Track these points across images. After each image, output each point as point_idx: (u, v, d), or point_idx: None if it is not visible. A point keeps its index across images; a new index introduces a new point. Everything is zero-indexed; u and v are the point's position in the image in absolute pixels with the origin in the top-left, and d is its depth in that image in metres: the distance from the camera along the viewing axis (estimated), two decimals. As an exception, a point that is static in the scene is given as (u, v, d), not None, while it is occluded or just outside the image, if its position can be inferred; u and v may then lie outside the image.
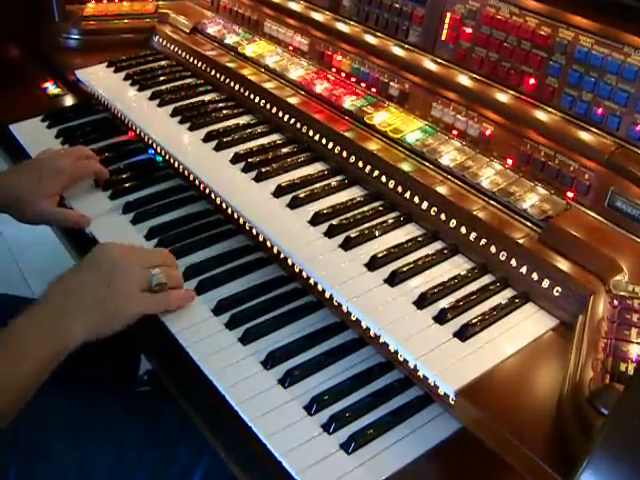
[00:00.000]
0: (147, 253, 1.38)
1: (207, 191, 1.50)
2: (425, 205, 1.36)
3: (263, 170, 1.50)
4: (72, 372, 1.59)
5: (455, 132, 1.48)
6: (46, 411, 1.33)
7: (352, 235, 1.33)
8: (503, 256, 1.25)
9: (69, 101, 2.01)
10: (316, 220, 1.37)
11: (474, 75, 1.47)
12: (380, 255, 1.28)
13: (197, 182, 1.52)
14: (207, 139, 1.63)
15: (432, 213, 1.35)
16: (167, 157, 1.63)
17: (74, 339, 1.18)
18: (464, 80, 1.47)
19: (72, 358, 1.62)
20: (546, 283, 1.19)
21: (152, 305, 1.28)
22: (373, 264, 1.27)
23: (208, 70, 1.87)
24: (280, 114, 1.65)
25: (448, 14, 1.50)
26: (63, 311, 1.18)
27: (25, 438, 1.28)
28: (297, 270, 1.30)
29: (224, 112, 1.74)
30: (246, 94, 1.75)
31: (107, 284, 1.22)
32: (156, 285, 1.28)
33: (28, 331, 1.16)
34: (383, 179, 1.43)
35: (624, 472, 0.77)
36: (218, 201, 1.47)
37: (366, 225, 1.37)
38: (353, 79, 1.69)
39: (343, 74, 1.72)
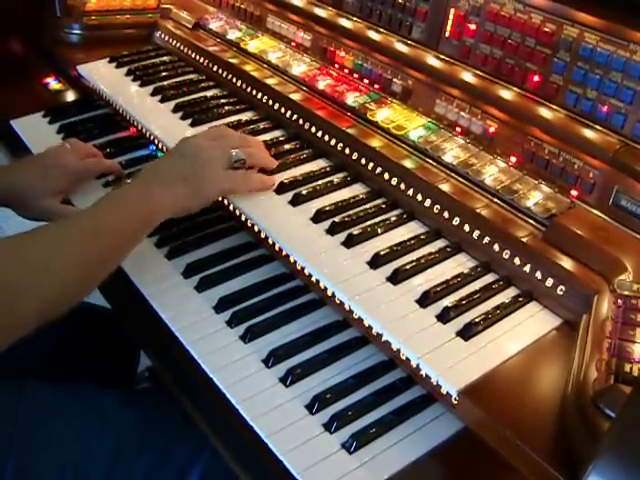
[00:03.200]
0: (227, 136, 1.45)
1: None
2: (428, 203, 1.35)
3: (265, 167, 1.49)
4: (70, 368, 1.59)
5: (459, 129, 1.47)
6: (43, 407, 1.32)
7: (354, 233, 1.32)
8: (506, 254, 1.24)
9: (71, 97, 2.01)
10: (318, 217, 1.36)
11: (478, 72, 1.46)
12: (383, 253, 1.27)
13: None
14: (209, 135, 1.61)
15: (435, 211, 1.34)
16: (169, 153, 1.62)
17: (165, 207, 1.29)
18: (468, 77, 1.46)
19: (71, 353, 1.63)
20: (550, 282, 1.18)
21: (233, 182, 1.37)
22: (375, 262, 1.26)
23: (210, 66, 1.86)
24: (282, 110, 1.64)
25: (452, 10, 1.49)
26: (154, 184, 1.29)
27: (22, 433, 1.27)
28: (299, 268, 1.29)
29: (226, 108, 1.73)
30: (248, 90, 1.74)
31: (191, 164, 1.33)
32: (235, 161, 1.36)
33: (127, 194, 1.29)
34: (386, 176, 1.42)
35: (631, 477, 0.76)
36: (220, 198, 1.46)
37: (368, 223, 1.36)
38: (356, 75, 1.68)
39: (346, 70, 1.71)
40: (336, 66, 1.73)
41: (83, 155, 1.59)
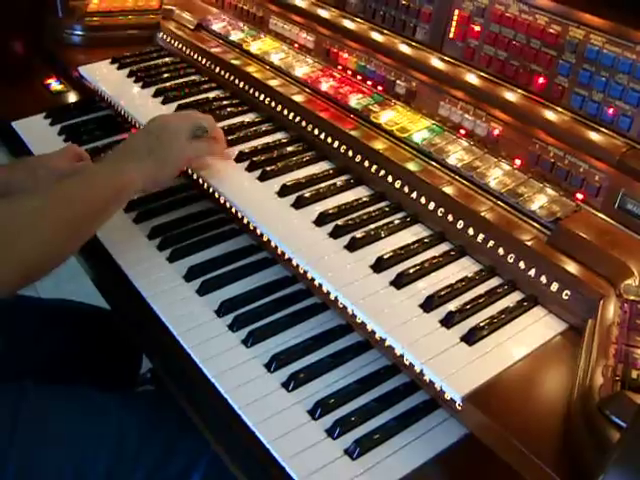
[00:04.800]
0: (190, 112, 1.59)
1: (211, 190, 1.48)
2: (432, 206, 1.34)
3: (268, 169, 1.48)
4: (71, 369, 1.59)
5: (463, 131, 1.46)
6: (44, 408, 1.32)
7: (358, 236, 1.31)
8: (511, 258, 1.23)
9: (72, 98, 2.01)
10: (321, 220, 1.36)
11: (482, 74, 1.45)
12: (386, 257, 1.26)
13: (200, 181, 1.50)
14: (211, 137, 1.61)
15: (439, 214, 1.33)
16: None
17: (133, 179, 1.35)
18: (472, 79, 1.45)
19: (72, 355, 1.63)
20: (555, 286, 1.17)
21: (197, 148, 1.46)
22: (379, 266, 1.25)
23: (213, 67, 1.86)
24: (285, 112, 1.64)
25: (456, 11, 1.49)
26: (123, 159, 1.38)
27: (22, 435, 1.27)
28: (302, 271, 1.29)
29: (228, 110, 1.72)
30: (251, 91, 1.74)
31: (156, 138, 1.40)
32: (197, 129, 1.44)
33: (97, 169, 1.41)
34: (389, 179, 1.41)
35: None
36: (222, 200, 1.45)
37: (372, 226, 1.35)
38: (359, 77, 1.67)
39: (349, 72, 1.70)
40: (339, 67, 1.72)
41: (73, 158, 1.59)
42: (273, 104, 1.67)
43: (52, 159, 1.55)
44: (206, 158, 1.50)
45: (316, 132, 1.56)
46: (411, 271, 1.24)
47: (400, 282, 1.22)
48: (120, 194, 1.35)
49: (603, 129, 1.27)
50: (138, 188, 1.39)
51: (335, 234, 1.33)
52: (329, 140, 1.53)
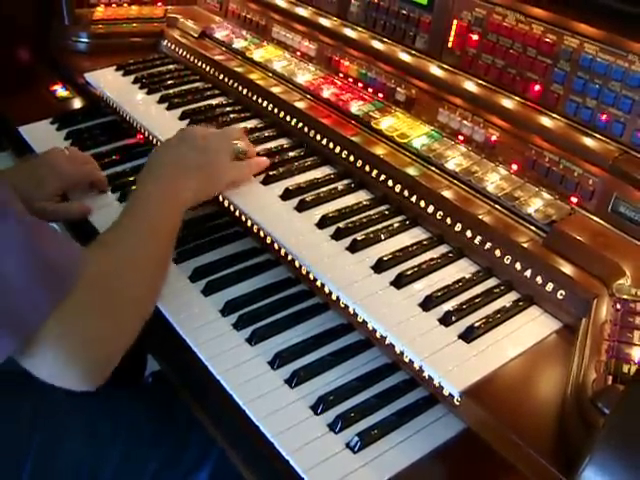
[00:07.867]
0: (227, 130, 1.58)
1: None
2: (431, 209, 1.38)
3: (270, 173, 1.51)
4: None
5: (461, 137, 1.49)
6: (60, 407, 1.34)
7: (359, 238, 1.34)
8: (508, 260, 1.26)
9: (78, 104, 2.04)
10: (323, 223, 1.39)
11: (480, 81, 1.49)
12: (386, 258, 1.30)
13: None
14: (215, 142, 1.63)
15: (438, 217, 1.36)
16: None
17: (186, 197, 1.34)
18: (470, 86, 1.49)
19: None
20: (550, 286, 1.21)
21: (240, 170, 1.48)
22: (379, 267, 1.28)
23: (216, 74, 1.89)
24: (288, 118, 1.67)
25: (455, 21, 1.52)
26: (178, 175, 1.35)
27: (40, 434, 1.30)
28: (304, 272, 1.32)
29: (232, 116, 1.76)
30: (254, 98, 1.77)
31: (201, 154, 1.40)
32: (239, 153, 1.49)
33: (155, 191, 1.31)
34: (389, 183, 1.45)
35: (625, 468, 0.79)
36: (226, 204, 1.48)
37: (372, 228, 1.38)
38: (360, 84, 1.71)
39: (350, 79, 1.73)
40: (341, 75, 1.76)
41: (79, 163, 1.62)
42: (276, 110, 1.70)
43: (57, 163, 1.57)
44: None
45: (318, 138, 1.59)
46: (410, 272, 1.27)
47: (400, 282, 1.25)
48: (182, 213, 1.33)
49: (597, 135, 1.31)
50: (190, 205, 1.36)
51: (337, 236, 1.36)
52: (331, 145, 1.56)
